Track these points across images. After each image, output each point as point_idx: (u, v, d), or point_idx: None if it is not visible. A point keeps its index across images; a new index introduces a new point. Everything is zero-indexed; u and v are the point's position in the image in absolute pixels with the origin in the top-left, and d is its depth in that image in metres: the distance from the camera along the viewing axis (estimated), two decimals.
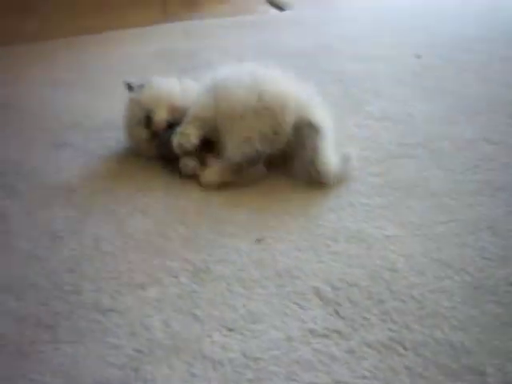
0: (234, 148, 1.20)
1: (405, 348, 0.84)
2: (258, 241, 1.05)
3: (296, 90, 1.28)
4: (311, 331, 0.88)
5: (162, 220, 1.12)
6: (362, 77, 1.76)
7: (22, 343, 0.87)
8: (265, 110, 1.21)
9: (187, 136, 1.22)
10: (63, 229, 1.11)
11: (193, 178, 1.25)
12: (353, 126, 1.46)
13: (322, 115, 1.25)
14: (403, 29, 2.23)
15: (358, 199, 1.18)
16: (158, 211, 1.15)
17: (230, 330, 0.88)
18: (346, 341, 0.86)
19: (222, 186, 1.21)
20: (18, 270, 1.02)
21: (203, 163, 1.25)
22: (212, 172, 1.22)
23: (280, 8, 2.61)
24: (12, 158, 1.38)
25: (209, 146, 1.27)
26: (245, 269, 0.99)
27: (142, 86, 1.34)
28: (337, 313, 0.91)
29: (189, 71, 1.81)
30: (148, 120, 1.28)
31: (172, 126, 1.26)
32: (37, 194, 1.23)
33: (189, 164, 1.25)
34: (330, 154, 1.22)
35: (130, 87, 1.35)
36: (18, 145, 1.45)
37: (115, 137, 1.44)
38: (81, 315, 0.91)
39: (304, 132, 1.21)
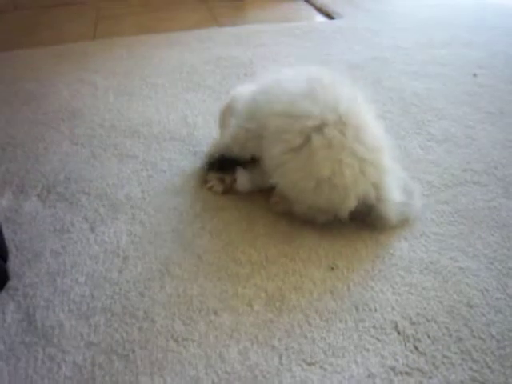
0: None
1: None
2: (332, 269, 1.03)
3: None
4: (392, 368, 0.85)
5: (231, 242, 1.10)
6: (420, 94, 1.72)
7: (94, 373, 0.85)
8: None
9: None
10: (129, 248, 1.09)
11: (258, 197, 1.22)
12: (417, 148, 1.42)
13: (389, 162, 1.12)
14: (458, 43, 2.18)
15: (429, 228, 1.14)
16: (226, 233, 1.13)
17: (310, 364, 0.86)
18: (428, 379, 0.84)
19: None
20: (87, 290, 1.00)
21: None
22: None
23: (329, 16, 2.57)
24: (73, 169, 1.36)
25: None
26: (321, 299, 0.96)
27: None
28: (417, 349, 0.89)
29: (245, 80, 1.80)
30: None
31: None
32: (100, 209, 1.21)
33: (215, 186, 1.24)
34: (394, 197, 1.12)
35: None
36: (79, 155, 1.43)
37: (174, 148, 1.42)
38: (156, 344, 0.89)
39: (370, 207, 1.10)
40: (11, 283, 1.03)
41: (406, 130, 1.51)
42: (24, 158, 1.43)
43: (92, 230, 1.15)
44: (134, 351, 0.88)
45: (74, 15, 2.74)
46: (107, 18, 2.67)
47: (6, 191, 1.30)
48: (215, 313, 0.94)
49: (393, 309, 0.96)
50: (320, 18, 2.59)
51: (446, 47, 2.13)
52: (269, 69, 1.89)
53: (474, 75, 1.88)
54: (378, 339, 0.90)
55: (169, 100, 1.70)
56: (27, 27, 2.58)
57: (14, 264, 1.08)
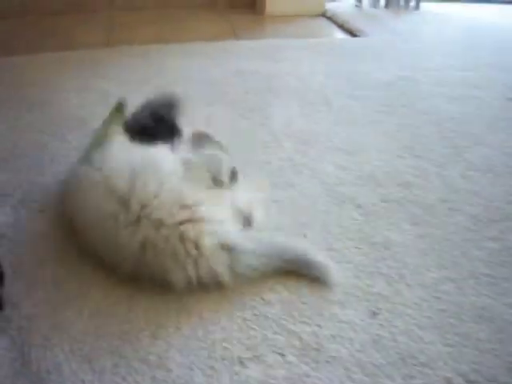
0: None
1: None
2: (374, 314, 0.89)
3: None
4: None
5: (260, 279, 0.96)
6: (455, 118, 1.60)
7: None
8: None
9: None
10: None
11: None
12: (457, 178, 1.30)
13: None
14: (486, 66, 2.06)
15: (477, 268, 1.01)
16: None
17: None
18: None
19: None
20: (91, 327, 0.87)
21: None
22: None
23: (352, 33, 2.47)
24: None
25: None
26: (363, 350, 0.83)
27: None
28: None
29: (269, 96, 1.70)
30: None
31: None
32: None
33: None
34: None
35: None
36: None
37: None
38: None
39: None
40: (5, 313, 0.90)
41: (444, 156, 1.38)
42: (27, 168, 1.31)
43: None
44: None
45: (86, 22, 2.63)
46: (121, 26, 2.56)
47: (6, 205, 1.17)
48: (241, 363, 0.80)
49: (445, 363, 0.82)
50: (342, 35, 2.48)
51: (475, 69, 2.02)
52: (291, 86, 1.78)
53: (509, 99, 1.77)
54: None
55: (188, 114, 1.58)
56: (39, 33, 2.47)
57: (9, 290, 0.94)
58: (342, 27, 2.55)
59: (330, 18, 2.70)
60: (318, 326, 0.87)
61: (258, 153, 1.37)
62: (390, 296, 0.93)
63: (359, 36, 2.41)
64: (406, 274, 0.98)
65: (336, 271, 0.96)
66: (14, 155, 1.37)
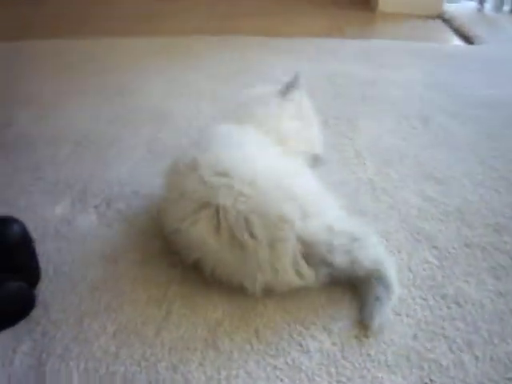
0: None
1: None
2: None
3: None
4: None
5: (300, 319, 0.85)
6: None
7: None
8: None
9: None
10: (176, 299, 0.89)
11: None
12: None
13: None
14: None
15: None
16: (297, 305, 0.88)
17: None
18: None
19: None
20: (113, 346, 0.81)
21: None
22: None
23: (467, 39, 2.23)
24: (143, 183, 1.19)
25: None
26: None
27: None
28: None
29: (361, 104, 1.56)
30: None
31: None
32: None
33: None
34: None
35: None
36: (154, 167, 1.26)
37: None
38: None
39: None
40: (35, 313, 0.87)
41: None
42: (92, 160, 1.29)
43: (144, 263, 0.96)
44: None
45: (187, 10, 2.62)
46: (222, 16, 2.51)
47: (65, 197, 1.15)
48: None
49: None
50: (456, 41, 2.25)
51: None
52: (391, 94, 1.62)
53: None
54: None
55: None
56: (141, 16, 2.50)
57: (45, 290, 0.92)
58: (458, 32, 2.32)
59: (446, 21, 2.46)
60: None
61: (334, 170, 1.24)
62: (449, 367, 0.78)
63: (474, 43, 2.17)
64: (476, 341, 0.82)
65: (392, 324, 0.83)
66: (82, 146, 1.36)
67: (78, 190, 1.17)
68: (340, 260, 0.87)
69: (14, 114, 1.52)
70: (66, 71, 1.84)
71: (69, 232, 1.06)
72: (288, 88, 1.14)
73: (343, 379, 0.76)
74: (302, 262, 0.86)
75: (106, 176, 1.22)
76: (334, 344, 0.81)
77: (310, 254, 0.86)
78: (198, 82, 1.72)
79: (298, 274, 0.86)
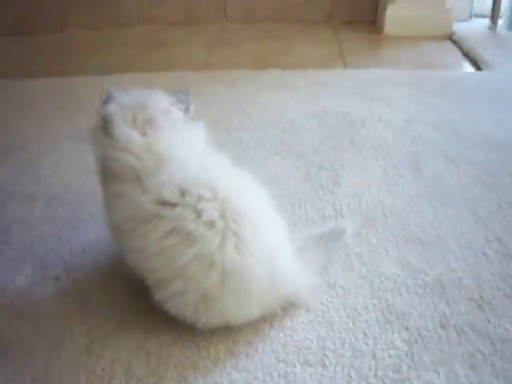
0: None
1: None
2: None
3: None
4: None
5: None
6: None
7: None
8: None
9: None
10: None
11: None
12: None
13: None
14: None
15: None
16: None
17: None
18: None
19: None
20: None
21: None
22: None
23: (476, 64, 2.11)
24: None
25: None
26: None
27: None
28: None
29: (348, 147, 1.48)
30: None
31: None
32: None
33: None
34: None
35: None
36: None
37: None
38: None
39: None
40: None
41: None
42: (63, 221, 1.25)
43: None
44: None
45: (195, 35, 2.59)
46: (223, 44, 2.47)
47: (27, 266, 1.12)
48: None
49: None
50: (465, 66, 2.14)
51: None
52: (382, 139, 1.53)
53: None
54: None
55: (247, 165, 1.42)
56: (151, 45, 2.48)
57: None
58: (467, 56, 2.20)
59: (455, 42, 2.35)
60: None
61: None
62: None
63: (484, 69, 2.05)
64: None
65: None
66: (56, 204, 1.32)
67: (40, 258, 1.13)
68: None
69: None
70: (54, 112, 1.82)
71: (23, 307, 1.01)
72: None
73: None
74: None
75: (71, 241, 1.18)
76: None
77: None
78: None
79: None
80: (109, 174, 0.95)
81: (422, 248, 1.11)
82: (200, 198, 0.85)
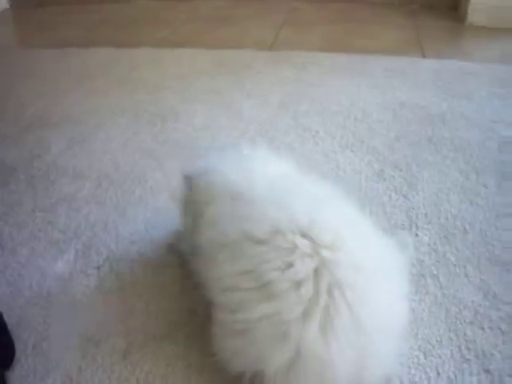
0: None
1: None
2: None
3: None
4: None
5: None
6: None
7: None
8: None
9: None
10: None
11: None
12: None
13: None
14: None
15: None
16: None
17: None
18: None
19: None
20: None
21: None
22: None
23: None
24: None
25: None
26: None
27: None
28: None
29: (425, 145, 1.33)
30: None
31: None
32: None
33: None
34: None
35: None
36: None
37: None
38: None
39: None
40: None
41: None
42: (110, 205, 1.18)
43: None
44: None
45: (264, 13, 2.46)
46: (293, 23, 2.32)
47: (70, 250, 1.05)
48: None
49: None
50: None
51: None
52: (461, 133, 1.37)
53: None
54: None
55: (314, 157, 1.30)
56: (218, 20, 2.37)
57: (20, 369, 0.81)
58: None
59: None
60: None
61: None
62: None
63: None
64: None
65: None
66: (105, 184, 1.25)
67: (84, 243, 1.06)
68: None
69: (45, 141, 1.44)
70: (114, 86, 1.75)
71: (60, 298, 0.95)
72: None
73: None
74: None
75: (118, 228, 1.10)
76: None
77: None
78: (241, 110, 1.55)
79: None
80: None
81: (508, 274, 0.96)
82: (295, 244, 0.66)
